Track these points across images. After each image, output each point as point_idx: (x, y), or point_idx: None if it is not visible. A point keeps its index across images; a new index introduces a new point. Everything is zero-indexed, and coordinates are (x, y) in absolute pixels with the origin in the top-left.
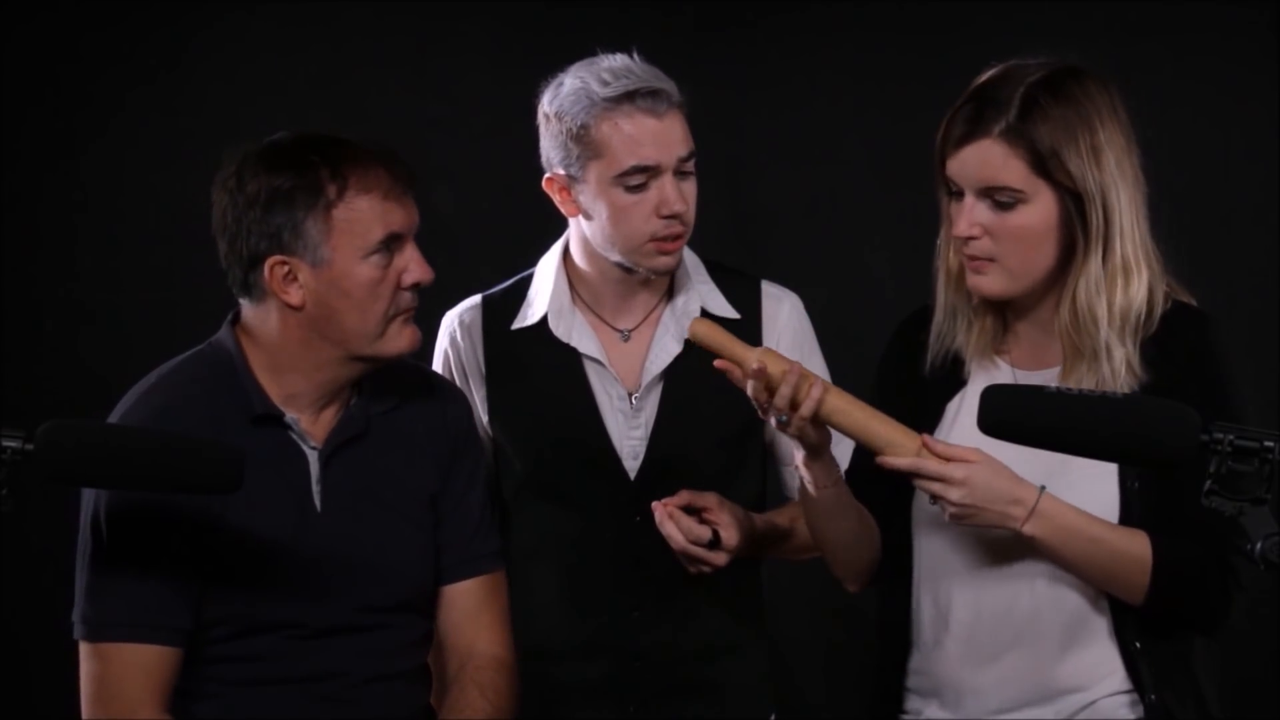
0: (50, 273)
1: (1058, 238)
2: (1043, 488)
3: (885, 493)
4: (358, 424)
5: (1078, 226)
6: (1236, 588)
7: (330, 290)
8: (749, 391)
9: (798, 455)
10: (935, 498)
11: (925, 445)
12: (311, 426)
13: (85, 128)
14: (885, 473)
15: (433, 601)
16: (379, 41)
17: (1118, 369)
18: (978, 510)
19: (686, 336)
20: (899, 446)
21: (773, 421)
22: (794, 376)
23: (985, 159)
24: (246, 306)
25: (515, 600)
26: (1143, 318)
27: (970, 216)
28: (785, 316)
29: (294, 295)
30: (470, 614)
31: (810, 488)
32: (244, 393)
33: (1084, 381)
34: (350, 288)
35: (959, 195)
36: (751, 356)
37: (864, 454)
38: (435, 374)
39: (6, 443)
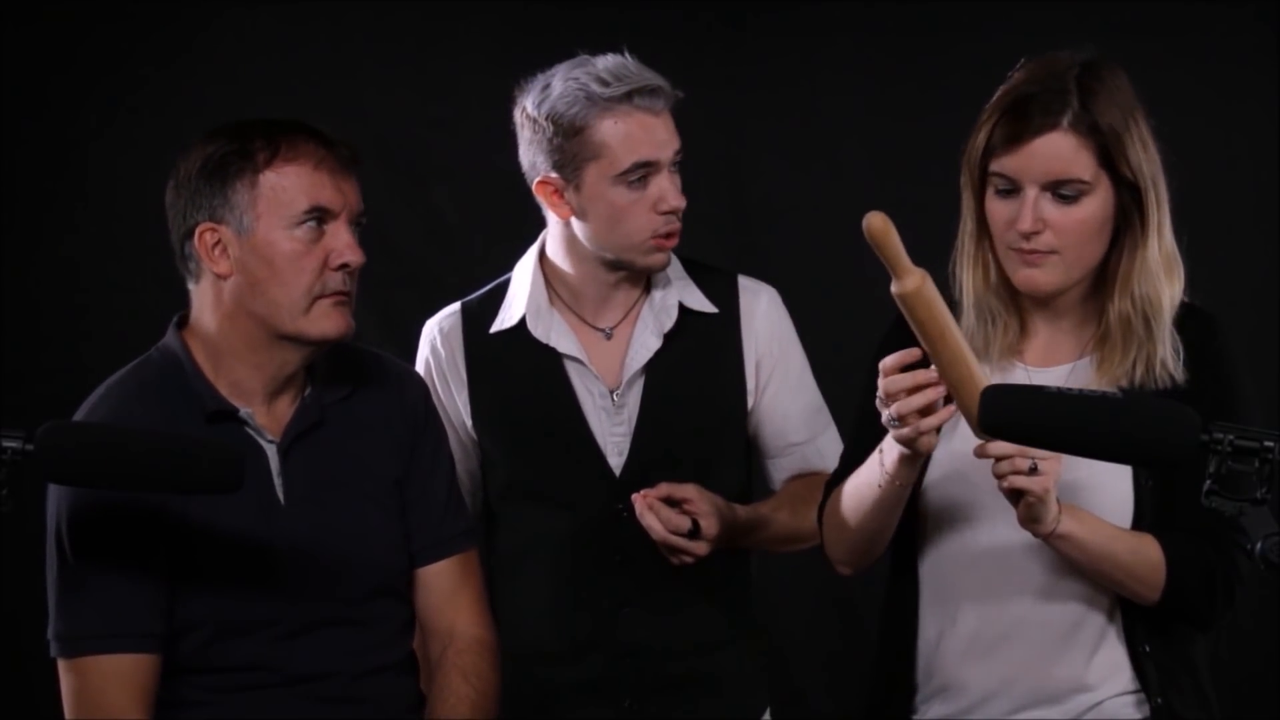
0: (50, 273)
1: (1108, 230)
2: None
3: None
4: (313, 414)
5: (1135, 215)
6: (1238, 581)
7: (253, 259)
8: (885, 375)
9: (894, 451)
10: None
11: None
12: (266, 420)
13: (85, 127)
14: None
15: (409, 586)
16: (379, 41)
17: (1170, 355)
18: (1048, 493)
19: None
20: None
21: (884, 416)
22: (932, 391)
23: (1056, 151)
24: (191, 292)
25: (506, 602)
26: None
27: (1035, 211)
28: (763, 310)
29: (222, 265)
30: (447, 595)
31: (887, 477)
32: (194, 393)
33: (1136, 370)
34: (272, 256)
35: (1008, 192)
36: (906, 282)
37: (870, 447)
38: (389, 358)
39: (6, 443)
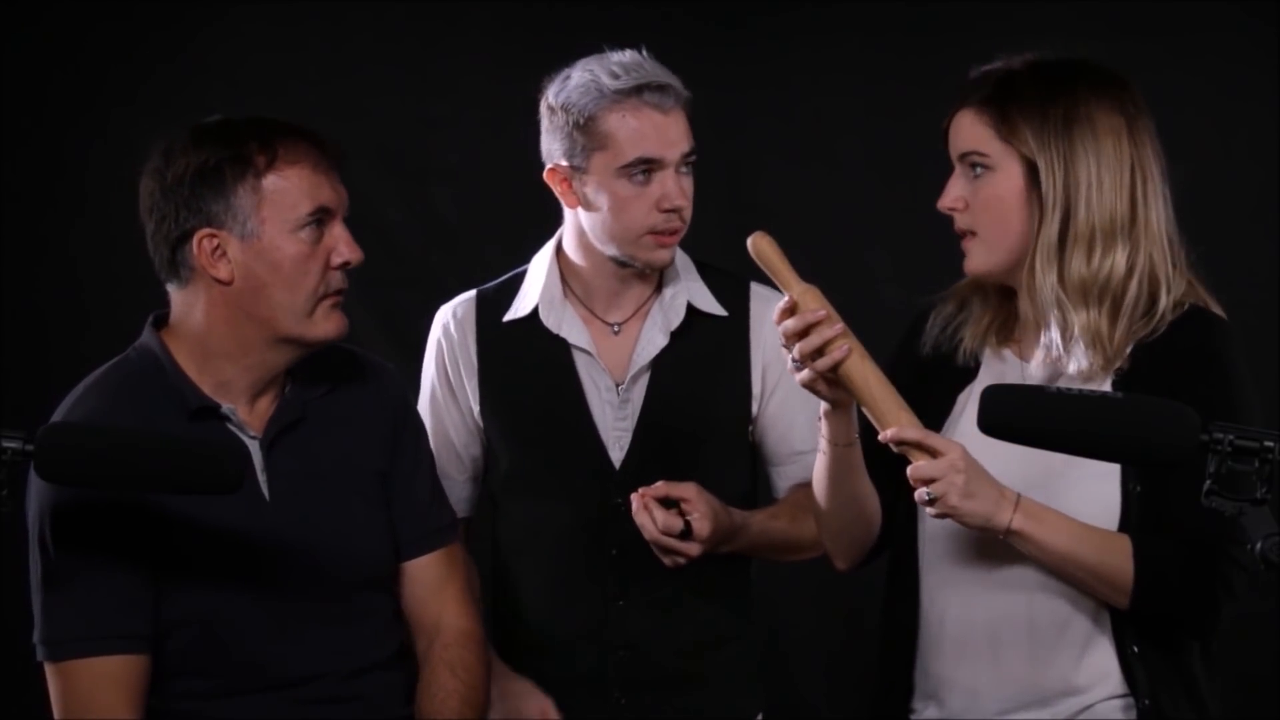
0: (51, 273)
1: (1027, 212)
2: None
3: (891, 485)
4: (295, 410)
5: (1038, 196)
6: (1227, 594)
7: (259, 263)
8: (778, 323)
9: (821, 405)
10: (926, 486)
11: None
12: (248, 417)
13: (85, 128)
14: (891, 466)
15: (395, 579)
16: (379, 41)
17: (1072, 333)
18: (969, 497)
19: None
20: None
21: (789, 362)
22: (826, 330)
23: (960, 126)
24: (174, 294)
25: (503, 593)
26: (1129, 298)
27: (951, 189)
28: (773, 317)
29: (222, 270)
30: (433, 588)
31: (824, 440)
32: (175, 390)
33: (1039, 350)
34: (279, 260)
35: None
36: (794, 291)
37: (871, 440)
38: (364, 354)
39: (6, 443)
